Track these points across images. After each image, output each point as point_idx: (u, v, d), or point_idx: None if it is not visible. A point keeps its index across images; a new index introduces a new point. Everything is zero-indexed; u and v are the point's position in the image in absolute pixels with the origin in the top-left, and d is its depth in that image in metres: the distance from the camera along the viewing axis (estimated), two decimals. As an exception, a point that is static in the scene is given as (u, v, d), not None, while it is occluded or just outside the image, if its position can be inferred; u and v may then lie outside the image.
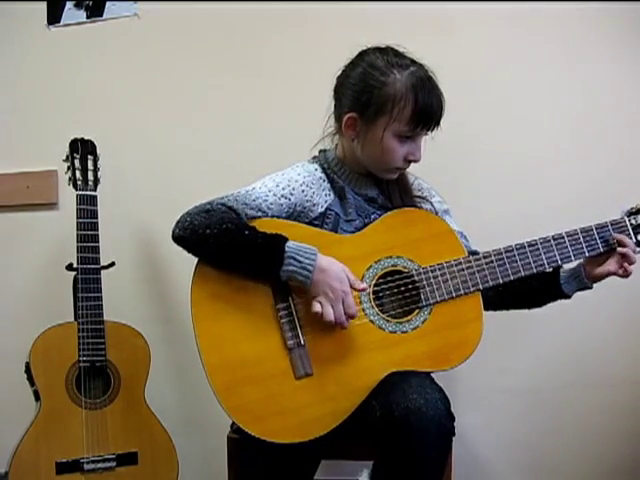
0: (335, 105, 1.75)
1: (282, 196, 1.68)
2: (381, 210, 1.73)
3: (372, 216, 1.73)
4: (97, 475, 2.12)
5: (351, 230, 1.70)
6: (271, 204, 1.66)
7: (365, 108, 1.66)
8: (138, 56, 2.49)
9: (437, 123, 1.67)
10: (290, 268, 1.54)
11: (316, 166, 1.77)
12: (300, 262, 1.53)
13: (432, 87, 1.64)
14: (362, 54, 1.71)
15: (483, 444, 2.26)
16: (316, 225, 1.70)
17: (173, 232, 1.62)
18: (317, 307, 1.54)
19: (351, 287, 1.56)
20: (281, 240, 1.55)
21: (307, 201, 1.71)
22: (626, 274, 1.67)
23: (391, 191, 1.77)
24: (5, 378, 2.46)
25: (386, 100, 1.62)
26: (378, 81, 1.63)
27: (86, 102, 2.51)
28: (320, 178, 1.75)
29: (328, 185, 1.75)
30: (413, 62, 1.66)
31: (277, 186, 1.68)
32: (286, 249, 1.54)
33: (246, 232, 1.57)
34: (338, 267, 1.56)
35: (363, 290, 1.58)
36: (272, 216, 1.66)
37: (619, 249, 1.66)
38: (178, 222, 1.61)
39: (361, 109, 1.67)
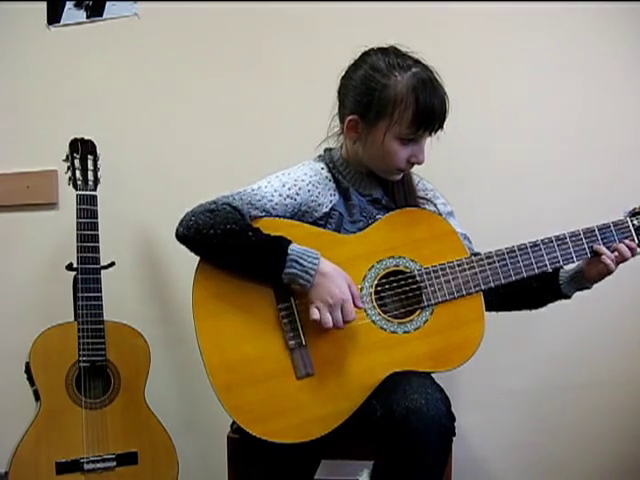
0: (339, 106, 1.75)
1: (288, 196, 1.68)
2: (385, 211, 1.73)
3: (376, 217, 1.72)
4: (97, 475, 2.12)
5: (354, 231, 1.69)
6: (276, 204, 1.66)
7: (366, 111, 1.65)
8: (138, 56, 2.49)
9: (440, 125, 1.66)
10: (292, 271, 1.53)
11: (322, 165, 1.77)
12: (302, 265, 1.53)
13: (434, 88, 1.62)
14: (364, 55, 1.69)
15: (483, 444, 2.26)
16: (320, 225, 1.70)
17: (177, 231, 1.62)
18: (315, 314, 1.54)
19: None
20: (284, 242, 1.55)
21: (312, 201, 1.70)
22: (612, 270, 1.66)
23: (395, 192, 1.77)
24: (5, 378, 2.47)
25: (387, 103, 1.61)
26: (379, 83, 1.62)
27: (86, 102, 2.51)
28: (326, 177, 1.75)
29: (333, 185, 1.75)
30: (416, 63, 1.64)
31: (283, 186, 1.68)
32: (289, 252, 1.53)
33: (249, 233, 1.56)
34: (340, 274, 1.56)
35: (360, 308, 1.57)
36: (276, 216, 1.66)
37: (602, 258, 1.64)
38: (182, 221, 1.61)
39: (362, 112, 1.66)
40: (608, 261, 1.64)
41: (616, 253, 1.65)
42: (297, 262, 1.53)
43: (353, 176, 1.76)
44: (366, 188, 1.77)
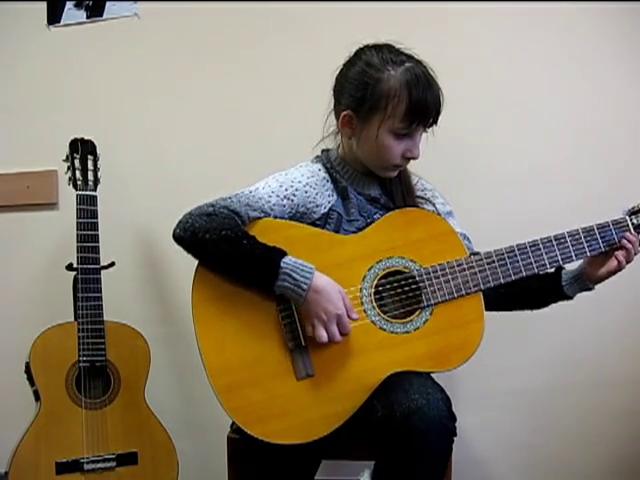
0: (334, 103, 1.76)
1: (285, 197, 1.67)
2: (384, 210, 1.73)
3: (375, 216, 1.72)
4: (97, 475, 2.12)
5: (353, 230, 1.69)
6: (274, 205, 1.66)
7: (360, 105, 1.66)
8: (138, 56, 2.49)
9: (434, 120, 1.67)
10: (284, 284, 1.53)
11: (319, 166, 1.77)
12: (295, 279, 1.53)
13: (427, 83, 1.63)
14: (359, 52, 1.71)
15: (484, 445, 2.26)
16: (318, 226, 1.69)
17: (174, 231, 1.61)
18: (310, 332, 1.56)
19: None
20: (278, 255, 1.55)
21: (310, 202, 1.70)
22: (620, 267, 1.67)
23: (394, 191, 1.77)
24: (5, 378, 2.47)
25: (380, 97, 1.62)
26: (372, 78, 1.63)
27: (86, 102, 2.51)
28: (323, 178, 1.75)
29: (331, 185, 1.75)
30: (409, 58, 1.66)
31: (280, 187, 1.68)
32: (282, 264, 1.53)
33: (244, 242, 1.56)
34: (334, 288, 1.56)
35: (355, 319, 1.57)
36: (274, 217, 1.65)
37: (624, 243, 1.65)
38: (180, 222, 1.61)
39: (356, 106, 1.67)
40: (621, 257, 1.65)
41: (629, 245, 1.65)
42: (289, 275, 1.52)
43: (351, 175, 1.76)
44: (364, 187, 1.77)
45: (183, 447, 2.25)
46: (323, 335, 1.53)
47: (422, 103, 1.62)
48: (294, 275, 1.52)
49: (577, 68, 2.19)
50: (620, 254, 1.65)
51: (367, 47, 1.70)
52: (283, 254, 1.55)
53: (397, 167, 1.73)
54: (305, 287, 1.52)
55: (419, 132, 1.69)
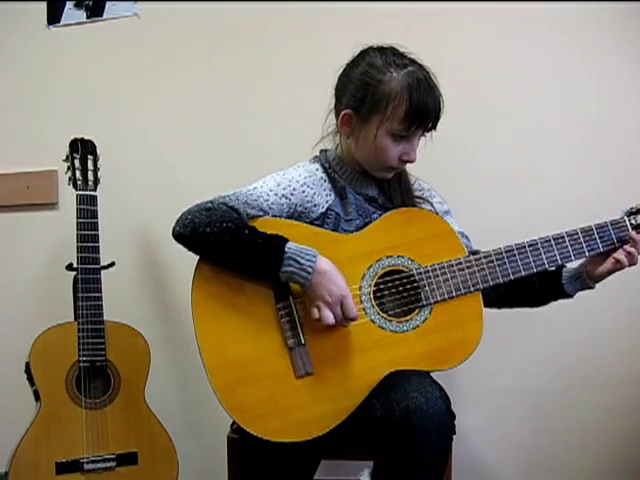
0: (335, 102, 1.77)
1: (283, 196, 1.68)
2: (382, 210, 1.74)
3: (373, 216, 1.73)
4: (97, 475, 2.12)
5: (351, 230, 1.70)
6: (272, 204, 1.66)
7: (360, 105, 1.67)
8: (138, 56, 2.49)
9: (433, 125, 1.68)
10: (289, 269, 1.54)
11: (317, 166, 1.78)
12: (300, 263, 1.53)
13: (428, 87, 1.64)
14: (363, 53, 1.72)
15: (483, 444, 2.26)
16: (317, 225, 1.70)
17: (173, 230, 1.62)
18: (315, 314, 1.55)
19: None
20: (281, 241, 1.56)
21: (308, 202, 1.71)
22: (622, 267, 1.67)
23: (392, 191, 1.78)
24: (5, 378, 2.47)
25: (381, 98, 1.63)
26: (374, 79, 1.64)
27: (86, 102, 2.51)
28: (321, 178, 1.75)
29: (329, 185, 1.75)
30: (412, 62, 1.67)
31: (278, 186, 1.69)
32: (286, 250, 1.54)
33: (246, 232, 1.57)
34: (337, 271, 1.57)
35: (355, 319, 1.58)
36: (273, 216, 1.66)
37: (627, 247, 1.65)
38: (179, 220, 1.62)
39: (356, 106, 1.68)
40: (621, 257, 1.64)
41: (633, 249, 1.65)
42: (294, 260, 1.53)
43: (349, 175, 1.77)
44: (362, 186, 1.77)
45: (183, 447, 2.25)
46: (329, 316, 1.54)
47: (422, 107, 1.63)
48: (299, 259, 1.53)
49: (577, 68, 2.19)
50: (621, 253, 1.65)
51: (371, 48, 1.71)
52: (285, 240, 1.56)
53: (393, 169, 1.74)
54: (310, 270, 1.53)
55: (417, 136, 1.70)
